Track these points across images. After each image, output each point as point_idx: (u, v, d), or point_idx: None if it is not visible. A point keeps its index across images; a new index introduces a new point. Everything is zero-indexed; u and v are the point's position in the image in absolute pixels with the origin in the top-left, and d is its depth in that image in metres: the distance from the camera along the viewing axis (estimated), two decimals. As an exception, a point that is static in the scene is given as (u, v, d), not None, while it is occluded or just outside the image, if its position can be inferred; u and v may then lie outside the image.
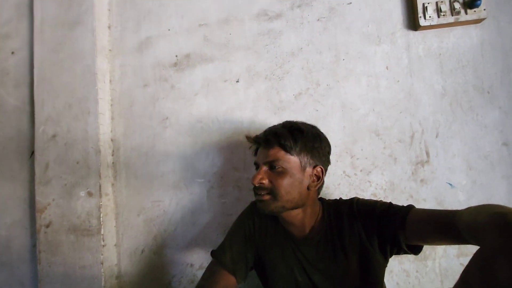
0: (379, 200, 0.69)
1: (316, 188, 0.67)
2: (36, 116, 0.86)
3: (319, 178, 0.66)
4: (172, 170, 0.90)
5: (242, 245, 0.69)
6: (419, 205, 0.77)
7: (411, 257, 0.94)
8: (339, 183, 0.94)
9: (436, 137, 0.98)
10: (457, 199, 0.97)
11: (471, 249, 0.95)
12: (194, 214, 0.89)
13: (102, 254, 0.82)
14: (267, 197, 0.62)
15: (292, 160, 0.63)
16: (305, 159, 0.64)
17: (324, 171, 0.67)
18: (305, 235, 0.68)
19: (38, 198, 0.83)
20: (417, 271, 0.94)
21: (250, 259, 0.69)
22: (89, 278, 0.80)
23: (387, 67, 0.94)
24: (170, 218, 0.89)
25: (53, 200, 0.83)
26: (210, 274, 0.67)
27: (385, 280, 0.97)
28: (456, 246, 0.95)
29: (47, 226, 0.82)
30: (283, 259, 0.68)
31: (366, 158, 0.96)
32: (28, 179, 0.88)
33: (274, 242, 0.69)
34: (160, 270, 0.88)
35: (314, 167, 0.65)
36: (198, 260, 0.88)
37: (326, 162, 0.69)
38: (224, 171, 0.91)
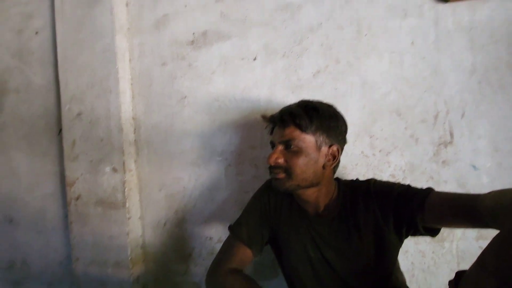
0: (397, 182, 0.68)
1: (332, 167, 0.67)
2: (61, 94, 0.90)
3: (335, 157, 0.67)
4: (191, 148, 0.93)
5: (257, 221, 0.71)
6: (439, 188, 0.76)
7: (427, 238, 0.93)
8: (357, 163, 0.94)
9: (462, 117, 0.95)
10: (480, 181, 0.95)
11: (491, 233, 0.94)
12: (212, 191, 0.93)
13: (127, 226, 0.88)
14: (282, 175, 0.64)
15: (308, 139, 0.63)
16: (321, 138, 0.64)
17: (340, 150, 0.67)
18: (319, 212, 0.70)
19: (67, 173, 0.89)
20: (433, 252, 0.95)
21: (265, 234, 0.72)
22: (116, 247, 0.87)
23: (412, 42, 0.90)
24: (189, 194, 0.93)
25: (81, 175, 0.89)
26: (227, 247, 0.70)
27: (400, 259, 0.99)
28: (476, 229, 0.94)
29: (77, 199, 0.89)
30: (296, 235, 0.70)
31: (386, 138, 0.94)
32: (57, 155, 0.94)
33: (288, 218, 0.71)
34: (181, 242, 0.94)
35: (330, 146, 0.65)
36: (217, 234, 0.92)
37: (342, 141, 0.69)
38: (241, 149, 0.93)
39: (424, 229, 0.60)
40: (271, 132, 0.71)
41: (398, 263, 0.74)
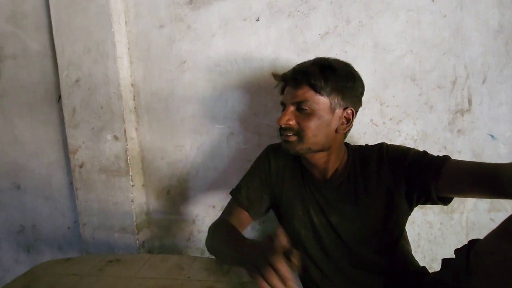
0: (412, 148, 0.65)
1: (345, 131, 0.65)
2: (58, 60, 0.88)
3: (349, 121, 0.64)
4: (192, 116, 0.91)
5: (257, 185, 0.71)
6: (453, 157, 0.74)
7: (436, 208, 0.93)
8: (365, 132, 0.91)
9: (483, 82, 0.89)
10: (497, 152, 0.91)
11: (505, 204, 0.92)
12: (215, 159, 0.93)
13: (131, 193, 0.90)
14: (293, 138, 0.62)
15: (322, 101, 0.60)
16: (336, 100, 0.61)
17: (354, 114, 0.64)
18: (327, 178, 0.68)
19: (69, 140, 0.90)
20: (441, 223, 0.94)
21: (266, 198, 0.72)
22: (121, 213, 0.90)
23: (432, -2, 0.82)
24: (191, 162, 0.94)
25: (83, 142, 0.90)
26: (227, 210, 0.72)
27: (406, 230, 0.98)
28: (488, 200, 0.92)
29: (81, 166, 0.90)
30: (299, 200, 0.70)
31: (398, 105, 0.90)
32: (59, 122, 0.94)
33: (291, 183, 0.71)
34: (184, 210, 0.96)
35: (345, 109, 0.63)
36: (220, 202, 0.94)
37: (357, 104, 0.66)
38: (244, 117, 0.91)
39: (437, 198, 0.58)
40: (282, 92, 0.68)
41: (406, 232, 0.73)
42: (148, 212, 0.96)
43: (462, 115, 0.90)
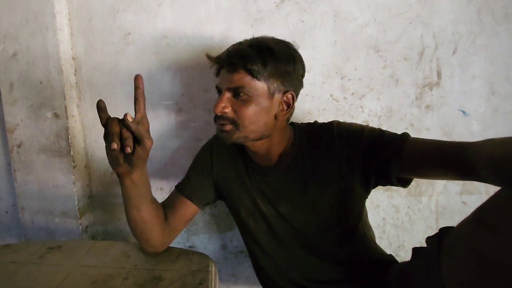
0: (366, 125, 0.60)
1: (285, 117, 0.61)
2: (-6, 33, 0.83)
3: (289, 106, 0.60)
4: (138, 91, 0.86)
5: (199, 176, 0.69)
6: (421, 135, 0.67)
7: (402, 192, 0.87)
8: (324, 108, 0.85)
9: (454, 53, 0.83)
10: (469, 129, 0.85)
11: (478, 187, 0.86)
12: (162, 138, 0.87)
13: (73, 175, 0.84)
14: (228, 127, 0.58)
15: (260, 87, 0.56)
16: (275, 85, 0.57)
17: (295, 97, 0.60)
18: (272, 164, 0.64)
19: (6, 118, 0.85)
20: (408, 207, 0.88)
21: (209, 189, 0.69)
22: (63, 196, 0.85)
23: (394, -43, 0.76)
24: (137, 141, 0.88)
25: (22, 120, 0.85)
26: (167, 200, 0.70)
27: (371, 215, 0.92)
28: (460, 182, 0.86)
29: (19, 146, 0.85)
30: (245, 190, 0.66)
31: (360, 79, 0.84)
32: None
33: (236, 174, 0.67)
34: None
35: (285, 93, 0.59)
36: (168, 185, 0.88)
37: (298, 87, 0.62)
38: (193, 93, 0.85)
39: (396, 180, 0.54)
40: (217, 74, 0.63)
41: (367, 218, 0.68)
42: (91, 195, 0.91)
43: (431, 89, 0.84)
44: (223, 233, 0.91)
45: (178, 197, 0.68)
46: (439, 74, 0.83)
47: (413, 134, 0.54)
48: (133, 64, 0.84)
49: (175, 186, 0.70)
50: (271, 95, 0.57)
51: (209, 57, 0.64)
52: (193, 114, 0.86)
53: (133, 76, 0.84)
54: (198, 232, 0.93)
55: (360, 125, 0.60)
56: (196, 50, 0.83)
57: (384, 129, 0.58)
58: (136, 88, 0.51)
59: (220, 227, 0.91)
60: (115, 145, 0.48)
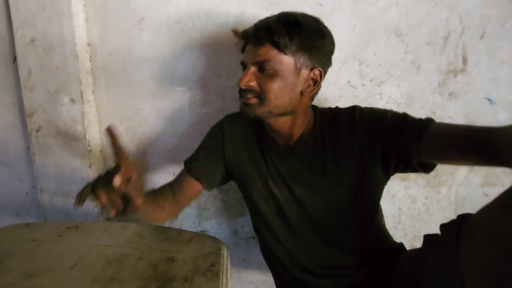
0: (390, 109, 0.59)
1: (311, 94, 0.60)
2: (12, 18, 0.85)
3: (316, 83, 0.59)
4: (151, 77, 0.86)
5: (208, 157, 0.69)
6: None
7: (420, 182, 0.84)
8: (341, 95, 0.83)
9: (481, 38, 0.79)
10: (495, 118, 0.81)
11: (502, 178, 0.83)
12: (175, 124, 0.88)
13: (89, 159, 0.87)
14: (253, 100, 0.57)
15: (286, 61, 0.55)
16: (302, 60, 0.56)
17: (323, 74, 0.59)
18: (291, 145, 0.63)
19: (25, 103, 0.88)
20: (426, 198, 0.86)
21: (219, 170, 0.70)
22: (79, 179, 0.88)
23: None
24: (151, 127, 0.90)
25: (40, 105, 0.87)
26: (177, 177, 0.72)
27: (386, 205, 0.91)
28: (482, 173, 0.83)
29: (37, 130, 0.88)
30: (258, 172, 0.66)
31: (380, 65, 0.81)
32: (14, 84, 0.92)
33: (249, 155, 0.67)
34: (143, 177, 0.93)
35: (312, 69, 0.58)
36: (180, 169, 0.89)
37: (326, 64, 0.60)
38: (207, 79, 0.85)
39: (418, 164, 0.52)
40: (243, 50, 0.63)
41: (380, 206, 0.67)
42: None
43: (455, 76, 0.80)
44: (235, 219, 0.93)
45: (186, 177, 0.69)
46: (464, 60, 0.79)
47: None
48: (147, 50, 0.85)
49: (184, 162, 0.71)
50: (297, 71, 0.56)
51: (235, 32, 0.62)
52: (206, 100, 0.86)
53: (148, 62, 0.86)
54: (209, 218, 0.94)
55: (384, 109, 0.59)
56: (210, 35, 0.83)
57: None
58: (112, 141, 0.48)
59: (231, 213, 0.92)
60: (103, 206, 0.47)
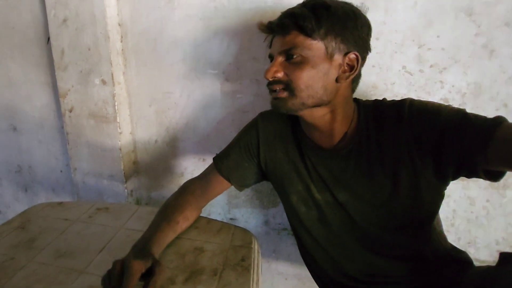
0: (448, 105, 0.51)
1: (348, 79, 0.54)
2: (45, -1, 0.86)
3: (353, 68, 0.54)
4: (182, 59, 0.84)
5: (240, 157, 0.66)
6: None
7: (482, 183, 0.75)
8: (394, 82, 0.75)
9: None
10: None
11: None
12: (206, 109, 0.86)
13: (119, 141, 0.88)
14: (283, 94, 0.54)
15: (315, 46, 0.51)
16: (333, 44, 0.51)
17: (359, 59, 0.54)
18: (334, 144, 0.58)
19: (59, 83, 0.90)
20: (487, 201, 0.76)
21: (251, 171, 0.67)
22: (110, 160, 0.90)
23: None
24: (181, 111, 0.88)
25: (72, 86, 0.89)
26: (205, 172, 0.69)
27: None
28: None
29: (70, 110, 0.90)
30: (297, 174, 0.62)
31: (444, 48, 0.71)
32: (48, 64, 0.94)
33: (286, 155, 0.63)
34: (173, 161, 0.93)
35: (346, 53, 0.53)
36: (210, 156, 0.89)
37: (363, 48, 0.55)
38: (241, 62, 0.81)
39: (484, 172, 0.47)
40: (270, 45, 0.59)
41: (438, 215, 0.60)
42: (136, 161, 0.95)
43: (537, 63, 0.68)
44: (266, 209, 0.91)
45: (215, 175, 0.66)
46: (549, 46, 0.66)
47: (506, 116, 0.46)
48: (179, 30, 0.82)
49: (213, 159, 0.68)
50: (329, 56, 0.52)
51: (260, 26, 0.57)
52: (240, 85, 0.82)
53: (179, 43, 0.82)
54: (239, 206, 0.93)
55: (439, 104, 0.51)
56: (246, 15, 0.78)
57: (468, 109, 0.49)
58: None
59: (263, 202, 0.90)
60: None
